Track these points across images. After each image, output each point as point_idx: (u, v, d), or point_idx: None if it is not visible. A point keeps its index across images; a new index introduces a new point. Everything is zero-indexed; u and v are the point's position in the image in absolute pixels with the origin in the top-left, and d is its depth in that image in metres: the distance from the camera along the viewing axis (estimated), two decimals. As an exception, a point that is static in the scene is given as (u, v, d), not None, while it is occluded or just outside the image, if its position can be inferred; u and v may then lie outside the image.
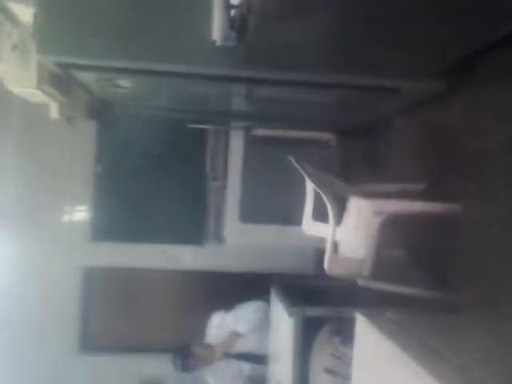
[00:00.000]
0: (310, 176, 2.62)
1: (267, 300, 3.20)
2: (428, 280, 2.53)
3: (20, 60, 2.42)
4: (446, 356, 1.19)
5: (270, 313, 3.16)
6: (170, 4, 2.34)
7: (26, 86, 2.52)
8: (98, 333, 4.21)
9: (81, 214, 4.17)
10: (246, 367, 3.38)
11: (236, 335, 3.37)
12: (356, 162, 3.80)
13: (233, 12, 2.02)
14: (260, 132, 3.95)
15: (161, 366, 3.50)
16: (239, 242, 4.05)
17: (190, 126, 3.88)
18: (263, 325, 3.27)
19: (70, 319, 4.09)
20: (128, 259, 4.14)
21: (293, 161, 2.61)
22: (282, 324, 2.64)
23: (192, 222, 4.16)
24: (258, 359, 3.31)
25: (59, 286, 4.01)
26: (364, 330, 1.51)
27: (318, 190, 2.48)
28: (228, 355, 3.40)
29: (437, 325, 1.49)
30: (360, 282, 2.51)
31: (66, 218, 4.16)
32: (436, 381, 1.06)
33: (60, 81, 2.72)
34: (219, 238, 4.11)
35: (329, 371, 2.03)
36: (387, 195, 2.60)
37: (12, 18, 2.35)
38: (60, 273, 4.00)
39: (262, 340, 3.27)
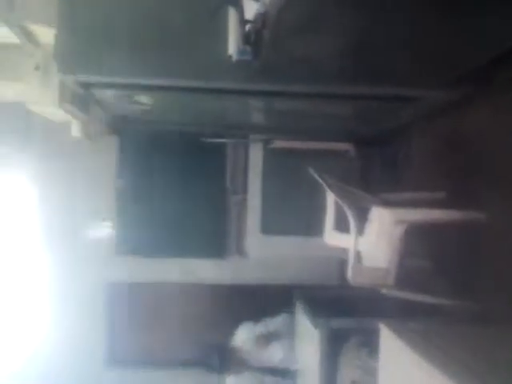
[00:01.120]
0: (330, 187, 2.61)
1: (292, 312, 3.18)
2: (452, 289, 2.49)
3: (42, 80, 2.47)
4: (471, 366, 1.17)
5: (294, 326, 3.14)
6: (186, 21, 2.38)
7: (48, 105, 2.58)
8: (123, 347, 4.22)
9: (104, 229, 4.21)
10: (268, 380, 3.35)
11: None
12: (376, 171, 3.77)
13: (248, 27, 2.04)
14: (279, 144, 3.96)
15: (186, 379, 3.49)
16: (261, 254, 4.05)
17: (208, 140, 3.91)
18: (289, 338, 3.24)
19: (96, 334, 4.12)
20: (151, 273, 4.16)
21: (312, 172, 2.60)
22: (307, 336, 2.62)
23: (213, 235, 4.17)
24: (282, 373, 3.28)
25: (85, 301, 4.05)
26: (388, 341, 1.49)
27: (339, 201, 2.47)
28: (251, 367, 3.38)
29: (462, 335, 1.46)
30: (384, 292, 2.48)
31: (89, 233, 4.21)
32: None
33: (81, 99, 2.78)
34: (241, 251, 4.11)
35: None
36: (408, 204, 2.58)
37: (34, 40, 2.41)
38: (85, 287, 4.04)
39: (286, 353, 3.25)
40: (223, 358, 3.40)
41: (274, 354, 3.34)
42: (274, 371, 3.34)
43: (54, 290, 3.95)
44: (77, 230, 4.18)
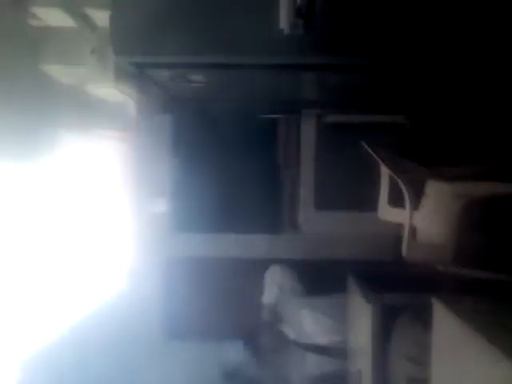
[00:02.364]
0: (384, 161, 2.57)
1: (345, 291, 3.14)
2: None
3: (99, 62, 2.56)
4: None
5: (347, 303, 3.11)
6: (238, -3, 2.37)
7: (105, 86, 2.66)
8: (181, 321, 4.37)
9: (161, 206, 4.33)
10: (312, 358, 3.33)
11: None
12: (433, 144, 3.66)
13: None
14: (332, 118, 3.91)
15: (241, 353, 3.57)
16: (315, 229, 4.05)
17: (261, 115, 3.91)
18: (341, 317, 3.18)
19: (154, 309, 4.28)
20: (206, 249, 4.26)
21: (366, 146, 2.57)
22: (360, 312, 2.62)
23: (267, 210, 4.19)
24: (330, 352, 3.25)
25: (144, 277, 4.20)
26: (441, 315, 1.47)
27: (393, 175, 2.43)
28: (294, 342, 3.38)
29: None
30: (440, 268, 2.43)
31: (147, 210, 4.35)
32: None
33: (136, 79, 2.85)
34: (294, 226, 4.13)
35: (410, 359, 2.00)
36: (466, 177, 2.50)
37: (90, 23, 2.49)
38: (144, 263, 4.19)
39: (336, 331, 3.21)
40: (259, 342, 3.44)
41: (323, 331, 3.31)
42: (320, 349, 3.33)
43: (114, 265, 4.11)
44: (134, 207, 4.33)
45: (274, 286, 3.56)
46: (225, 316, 4.24)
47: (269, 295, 3.58)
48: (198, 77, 2.90)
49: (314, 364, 3.31)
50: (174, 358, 4.14)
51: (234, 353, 3.80)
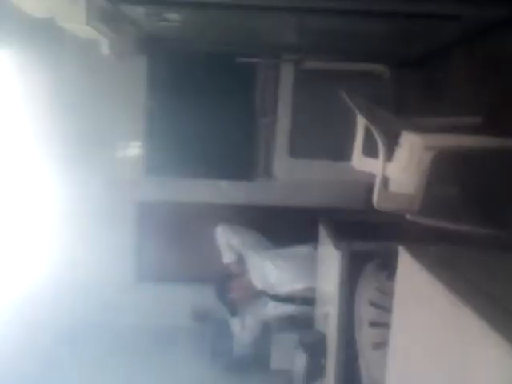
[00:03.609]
0: (360, 110, 2.55)
1: (316, 241, 3.18)
2: (480, 218, 2.47)
3: (70, -4, 2.43)
4: (491, 292, 1.17)
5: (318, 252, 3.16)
6: None
7: (76, 22, 2.54)
8: (152, 264, 4.42)
9: (134, 149, 4.28)
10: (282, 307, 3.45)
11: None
12: (410, 94, 3.65)
13: None
14: (310, 65, 3.85)
15: (211, 296, 3.65)
16: (289, 177, 4.07)
17: (239, 59, 3.83)
18: (310, 267, 3.25)
19: (125, 251, 4.30)
20: (180, 194, 4.25)
21: (344, 95, 2.54)
22: (329, 259, 2.68)
23: (242, 157, 4.19)
24: (299, 301, 3.36)
25: (115, 220, 4.19)
26: (405, 263, 1.51)
27: (369, 125, 2.42)
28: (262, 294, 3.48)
29: (484, 262, 1.46)
30: (409, 218, 2.48)
31: (119, 153, 4.28)
32: (475, 314, 1.05)
33: (109, 16, 2.73)
34: (269, 174, 4.14)
35: (373, 304, 2.07)
36: (441, 129, 2.51)
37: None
38: (115, 207, 4.17)
39: (306, 280, 3.29)
40: (223, 290, 3.52)
41: (286, 280, 3.39)
42: (283, 298, 3.42)
43: (83, 209, 4.08)
44: (106, 150, 4.25)
45: (231, 243, 3.59)
46: (196, 260, 4.30)
47: (227, 254, 3.61)
48: (173, 15, 2.80)
49: (276, 309, 3.43)
50: (146, 299, 4.21)
51: (205, 296, 3.87)
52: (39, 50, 3.69)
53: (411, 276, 1.46)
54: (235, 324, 3.64)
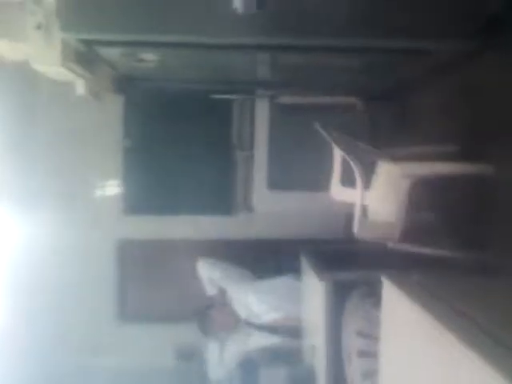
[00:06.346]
0: (336, 141, 2.61)
1: (297, 272, 3.20)
2: (459, 243, 2.52)
3: (44, 38, 2.45)
4: (474, 318, 1.19)
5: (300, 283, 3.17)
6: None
7: (51, 64, 2.56)
8: (134, 302, 4.34)
9: (112, 188, 4.26)
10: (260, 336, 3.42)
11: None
12: (384, 126, 3.74)
13: (252, -22, 1.99)
14: (285, 100, 3.93)
15: (196, 334, 3.59)
16: (268, 209, 4.08)
17: (214, 96, 3.88)
18: (293, 298, 3.25)
19: (106, 290, 4.23)
20: (160, 231, 4.23)
21: (319, 127, 2.59)
22: (312, 290, 2.68)
23: (220, 192, 4.20)
24: (283, 332, 3.34)
25: (95, 259, 4.14)
26: (390, 292, 1.52)
27: (345, 155, 2.47)
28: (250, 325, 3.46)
29: (465, 287, 1.48)
30: (390, 245, 2.51)
31: (98, 192, 4.26)
32: (457, 339, 1.06)
33: (84, 57, 2.75)
34: (248, 207, 4.15)
35: (361, 334, 2.06)
36: (416, 158, 2.57)
37: (35, -3, 2.37)
38: (95, 246, 4.12)
39: (289, 310, 3.28)
40: (204, 320, 3.50)
41: (268, 310, 3.38)
42: (267, 327, 3.40)
43: (63, 249, 4.02)
44: (84, 190, 4.23)
45: (213, 277, 3.60)
46: (178, 297, 4.25)
47: (210, 288, 3.61)
48: (149, 55, 2.84)
49: (260, 339, 3.40)
50: (128, 340, 4.12)
51: (189, 334, 3.81)
52: (15, 91, 3.69)
53: (396, 304, 1.47)
54: (212, 350, 3.58)
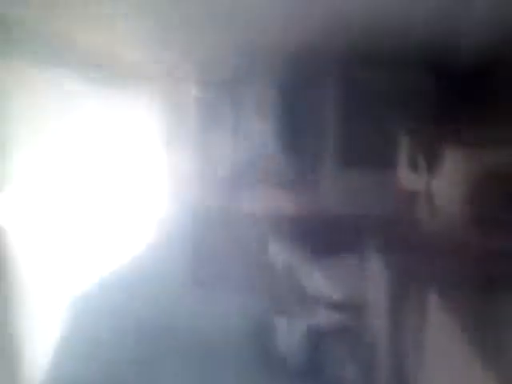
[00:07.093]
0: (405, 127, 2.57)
1: (362, 251, 3.21)
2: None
3: None
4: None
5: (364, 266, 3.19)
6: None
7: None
8: (207, 270, 4.47)
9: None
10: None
11: None
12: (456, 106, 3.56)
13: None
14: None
15: (265, 306, 3.69)
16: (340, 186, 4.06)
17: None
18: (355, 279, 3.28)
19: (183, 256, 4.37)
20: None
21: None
22: (377, 271, 2.70)
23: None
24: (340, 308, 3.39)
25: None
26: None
27: (413, 141, 2.44)
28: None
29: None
30: (456, 235, 2.48)
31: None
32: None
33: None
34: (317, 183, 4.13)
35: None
36: (491, 144, 2.47)
37: None
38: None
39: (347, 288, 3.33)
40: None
41: (333, 289, 3.43)
42: (331, 305, 3.45)
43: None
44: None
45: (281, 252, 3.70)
46: (250, 268, 4.35)
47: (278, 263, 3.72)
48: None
49: (322, 317, 3.48)
50: (201, 305, 4.27)
51: (257, 306, 3.92)
52: None
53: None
54: (280, 324, 3.71)
